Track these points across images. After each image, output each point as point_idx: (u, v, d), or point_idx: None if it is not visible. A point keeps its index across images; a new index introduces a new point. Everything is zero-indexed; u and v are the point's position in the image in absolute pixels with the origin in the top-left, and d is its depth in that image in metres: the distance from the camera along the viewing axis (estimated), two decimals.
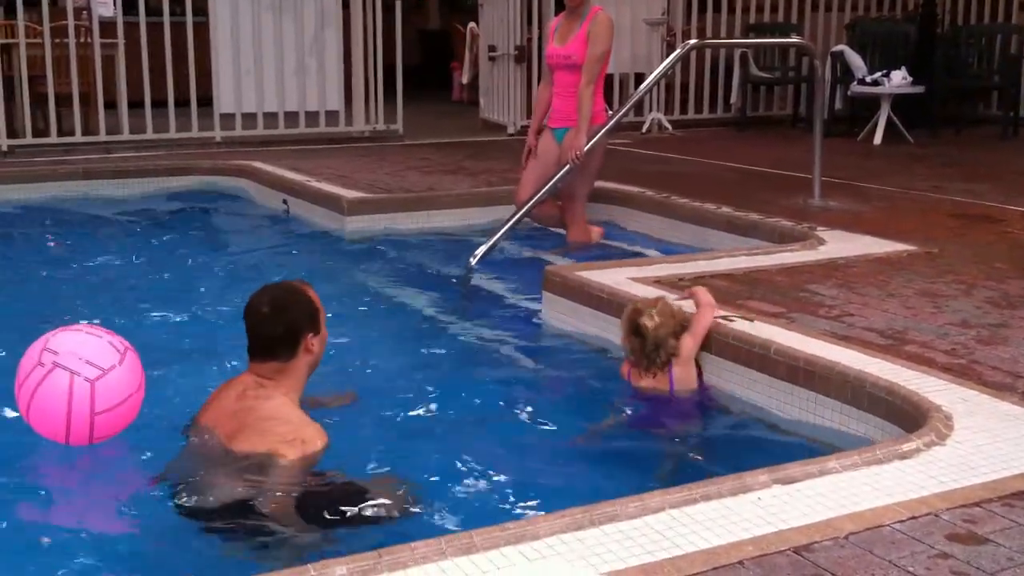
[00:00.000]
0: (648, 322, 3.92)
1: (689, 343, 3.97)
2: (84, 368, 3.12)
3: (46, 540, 2.83)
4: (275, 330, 3.15)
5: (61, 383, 3.10)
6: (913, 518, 2.56)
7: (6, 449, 3.28)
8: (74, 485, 3.23)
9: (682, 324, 3.99)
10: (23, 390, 3.13)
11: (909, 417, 3.22)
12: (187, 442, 3.22)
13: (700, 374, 4.00)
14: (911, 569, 2.32)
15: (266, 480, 2.99)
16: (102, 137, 9.43)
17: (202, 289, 5.48)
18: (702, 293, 4.17)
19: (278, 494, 2.96)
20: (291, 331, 3.16)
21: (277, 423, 3.08)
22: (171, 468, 3.14)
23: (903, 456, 2.89)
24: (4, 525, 2.89)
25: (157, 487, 3.08)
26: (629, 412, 3.91)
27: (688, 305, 4.17)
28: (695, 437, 3.64)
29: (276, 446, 3.02)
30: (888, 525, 2.52)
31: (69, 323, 3.48)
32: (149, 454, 3.30)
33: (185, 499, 2.97)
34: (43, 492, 3.19)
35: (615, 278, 4.75)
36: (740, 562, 2.34)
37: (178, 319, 4.88)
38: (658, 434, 3.70)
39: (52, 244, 6.63)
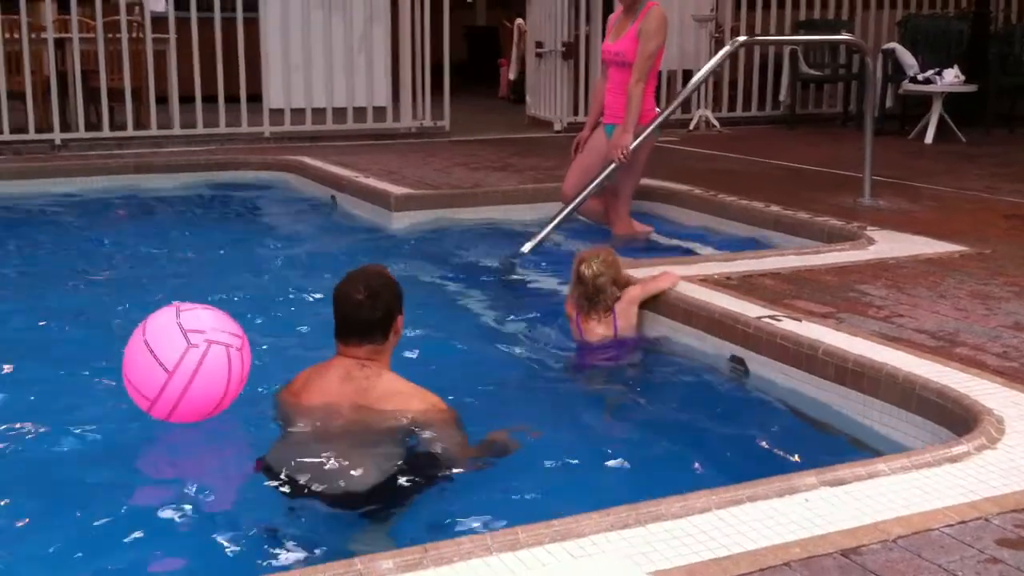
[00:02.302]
0: (587, 270, 4.37)
1: (635, 291, 4.43)
2: (231, 339, 3.22)
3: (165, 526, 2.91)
4: (373, 314, 3.23)
5: (221, 357, 3.17)
6: (963, 522, 2.53)
7: (115, 443, 3.35)
8: (184, 472, 3.26)
9: (626, 276, 4.46)
10: (177, 376, 3.10)
11: (959, 420, 3.19)
12: (293, 427, 3.24)
13: (640, 327, 4.45)
14: (960, 574, 2.30)
15: (428, 447, 3.12)
16: (153, 132, 9.55)
17: (253, 282, 5.53)
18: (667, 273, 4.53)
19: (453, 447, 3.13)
20: (388, 314, 3.27)
21: (403, 397, 3.20)
22: (283, 453, 3.14)
23: (953, 460, 2.86)
24: (128, 520, 2.94)
25: (269, 473, 3.09)
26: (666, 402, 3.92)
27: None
28: (741, 437, 3.61)
29: (417, 416, 3.16)
30: (937, 529, 2.50)
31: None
32: (242, 442, 3.37)
33: (319, 482, 3.00)
34: (152, 482, 3.24)
35: None
36: (787, 564, 2.33)
37: (230, 311, 4.92)
38: (705, 433, 3.68)
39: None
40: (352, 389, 3.21)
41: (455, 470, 3.10)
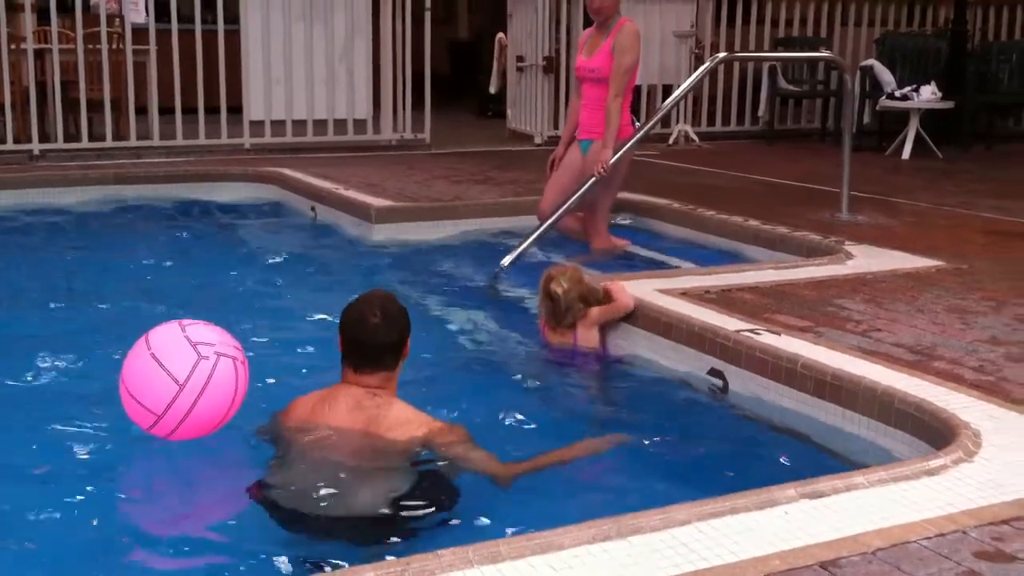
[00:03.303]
0: (557, 288, 4.56)
1: (595, 313, 4.58)
2: (235, 352, 3.18)
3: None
4: (389, 337, 3.19)
5: (229, 370, 3.13)
6: (941, 535, 2.55)
7: (113, 461, 3.30)
8: (177, 495, 3.21)
9: (591, 291, 4.62)
10: (188, 389, 3.05)
11: (937, 433, 3.21)
12: (296, 454, 3.15)
13: (603, 340, 4.64)
14: None
15: (439, 473, 3.11)
16: (132, 143, 9.52)
17: (231, 295, 5.51)
18: (620, 292, 4.61)
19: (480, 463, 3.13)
20: (401, 337, 3.23)
21: (413, 426, 3.15)
22: (287, 480, 3.08)
23: (931, 473, 2.88)
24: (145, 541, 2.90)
25: (269, 499, 3.04)
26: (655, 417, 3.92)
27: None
28: (721, 450, 3.63)
29: (427, 445, 3.12)
30: (915, 541, 2.52)
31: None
32: (238, 463, 3.31)
33: (325, 510, 2.96)
34: (151, 502, 3.18)
35: (642, 290, 4.75)
36: None
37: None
38: (685, 446, 3.69)
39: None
40: (363, 418, 3.14)
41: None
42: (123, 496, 3.18)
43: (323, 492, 3.01)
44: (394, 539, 2.85)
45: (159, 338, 3.14)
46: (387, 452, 3.11)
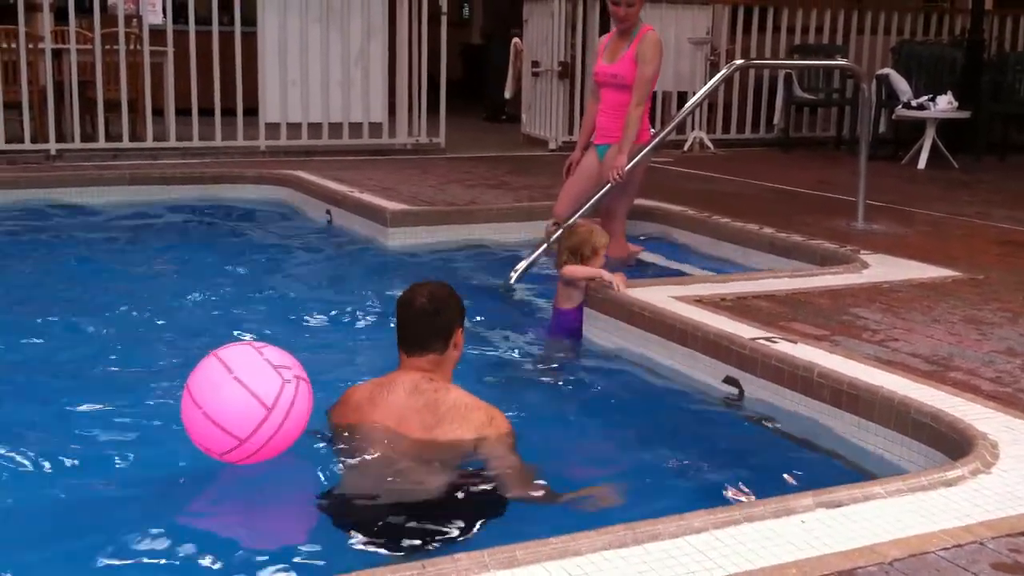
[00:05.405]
0: (561, 229, 5.30)
1: (568, 270, 4.93)
2: (304, 373, 3.17)
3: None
4: (435, 320, 3.29)
5: (307, 393, 3.12)
6: (958, 546, 2.55)
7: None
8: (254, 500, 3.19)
9: (587, 249, 4.93)
10: (274, 414, 2.99)
11: (954, 444, 3.20)
12: (359, 443, 3.20)
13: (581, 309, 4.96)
14: None
15: (487, 460, 3.17)
16: (149, 143, 9.55)
17: (248, 299, 5.51)
18: (619, 280, 4.83)
19: (507, 470, 3.16)
20: (449, 322, 3.32)
21: (469, 409, 3.23)
22: (352, 469, 3.12)
23: (948, 483, 2.88)
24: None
25: (338, 487, 3.08)
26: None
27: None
28: (737, 459, 3.62)
29: (480, 431, 3.19)
30: (933, 552, 2.51)
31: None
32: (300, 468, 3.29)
33: (383, 496, 3.01)
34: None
35: (657, 296, 4.75)
36: None
37: (223, 327, 4.91)
38: (701, 454, 3.68)
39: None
40: (422, 403, 3.21)
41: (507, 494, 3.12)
42: (185, 502, 3.15)
43: (377, 485, 3.05)
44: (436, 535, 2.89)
45: (239, 361, 3.06)
46: (452, 435, 3.17)
